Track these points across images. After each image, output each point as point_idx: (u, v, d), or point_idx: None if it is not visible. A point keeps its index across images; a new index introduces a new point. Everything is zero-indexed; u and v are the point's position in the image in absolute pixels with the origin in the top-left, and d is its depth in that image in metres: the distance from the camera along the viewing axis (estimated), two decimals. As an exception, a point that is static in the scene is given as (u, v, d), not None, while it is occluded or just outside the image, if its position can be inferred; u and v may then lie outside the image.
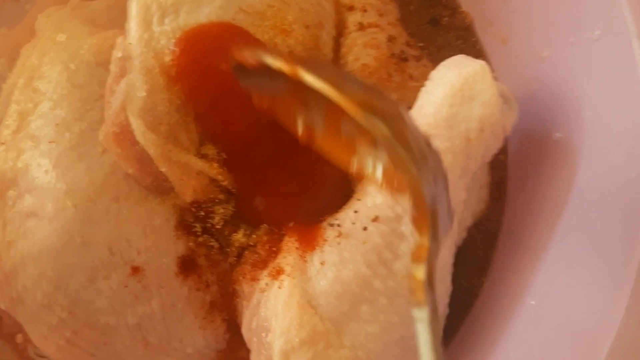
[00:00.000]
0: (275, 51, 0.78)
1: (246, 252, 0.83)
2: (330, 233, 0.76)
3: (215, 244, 0.83)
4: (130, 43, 0.77)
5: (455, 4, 1.01)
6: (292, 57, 0.69)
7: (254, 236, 0.83)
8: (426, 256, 0.58)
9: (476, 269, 0.92)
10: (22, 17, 0.97)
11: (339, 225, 0.76)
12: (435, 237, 0.59)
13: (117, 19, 0.90)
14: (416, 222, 0.59)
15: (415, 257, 0.59)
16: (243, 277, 0.82)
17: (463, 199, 0.79)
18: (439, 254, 0.60)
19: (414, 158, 0.57)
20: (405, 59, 0.89)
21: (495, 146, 0.78)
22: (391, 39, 0.90)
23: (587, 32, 0.76)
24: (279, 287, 0.75)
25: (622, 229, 0.69)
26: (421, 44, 0.97)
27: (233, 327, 0.85)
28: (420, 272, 0.57)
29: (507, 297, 0.83)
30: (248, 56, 0.66)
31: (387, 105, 0.60)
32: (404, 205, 0.73)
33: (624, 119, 0.72)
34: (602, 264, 0.70)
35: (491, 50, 0.98)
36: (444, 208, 0.61)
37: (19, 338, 0.85)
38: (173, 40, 0.77)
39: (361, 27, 0.90)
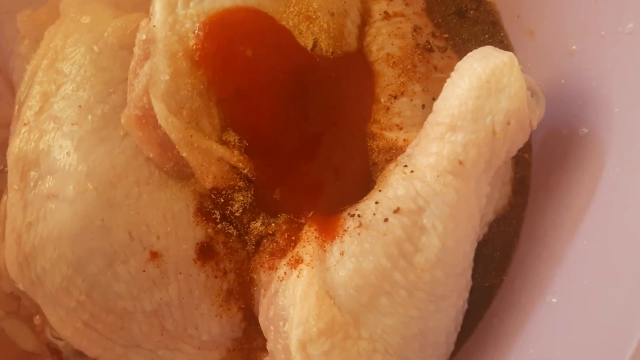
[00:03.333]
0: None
1: (264, 241, 0.83)
2: (350, 223, 0.75)
3: (234, 232, 0.83)
4: (154, 26, 0.77)
5: (482, -5, 1.00)
6: None
7: (273, 225, 0.82)
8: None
9: (496, 266, 0.90)
10: (47, -1, 0.97)
11: (359, 216, 0.75)
12: None
13: (142, 2, 0.90)
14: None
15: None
16: (261, 266, 0.81)
17: (486, 193, 0.78)
18: None
19: None
20: (430, 50, 0.88)
21: (521, 140, 0.76)
22: (416, 29, 0.89)
23: (620, 25, 0.74)
24: (298, 277, 0.74)
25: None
26: (446, 35, 0.96)
27: (249, 316, 0.85)
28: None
29: (527, 294, 0.82)
30: None
31: None
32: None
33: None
34: (629, 263, 0.67)
35: (518, 43, 0.96)
36: None
37: (36, 320, 0.85)
38: (197, 24, 0.76)
39: (386, 16, 0.89)
